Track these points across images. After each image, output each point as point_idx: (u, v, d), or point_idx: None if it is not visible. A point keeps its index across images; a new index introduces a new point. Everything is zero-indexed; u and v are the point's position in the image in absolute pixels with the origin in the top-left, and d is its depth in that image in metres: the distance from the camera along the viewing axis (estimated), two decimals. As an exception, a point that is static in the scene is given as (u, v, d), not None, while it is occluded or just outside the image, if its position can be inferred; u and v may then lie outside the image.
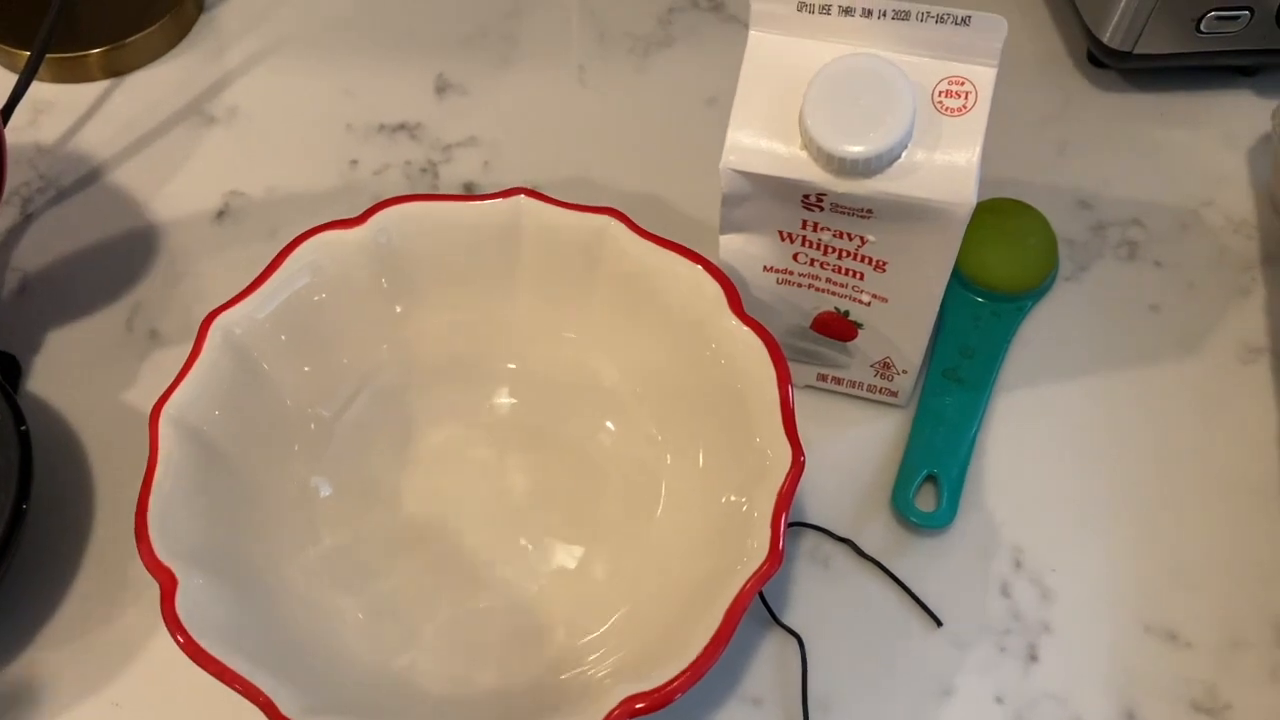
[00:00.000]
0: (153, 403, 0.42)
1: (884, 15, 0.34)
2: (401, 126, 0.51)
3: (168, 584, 0.30)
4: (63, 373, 0.43)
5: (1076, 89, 0.52)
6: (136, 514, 0.32)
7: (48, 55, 0.50)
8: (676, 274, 0.37)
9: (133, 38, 0.52)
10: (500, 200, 0.38)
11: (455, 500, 0.39)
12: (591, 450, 0.39)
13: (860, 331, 0.40)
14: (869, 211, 0.35)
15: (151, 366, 0.44)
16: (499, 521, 0.38)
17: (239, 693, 0.29)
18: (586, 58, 0.53)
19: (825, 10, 0.35)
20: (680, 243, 0.38)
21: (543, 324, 0.39)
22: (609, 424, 0.39)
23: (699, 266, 0.36)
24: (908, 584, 0.39)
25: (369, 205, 0.48)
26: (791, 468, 0.33)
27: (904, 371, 0.41)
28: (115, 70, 0.52)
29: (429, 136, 0.50)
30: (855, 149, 0.33)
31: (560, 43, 0.54)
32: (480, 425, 0.40)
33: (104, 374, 0.43)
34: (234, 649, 0.30)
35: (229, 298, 0.43)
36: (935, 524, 0.39)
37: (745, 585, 0.31)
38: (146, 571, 0.37)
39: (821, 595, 0.39)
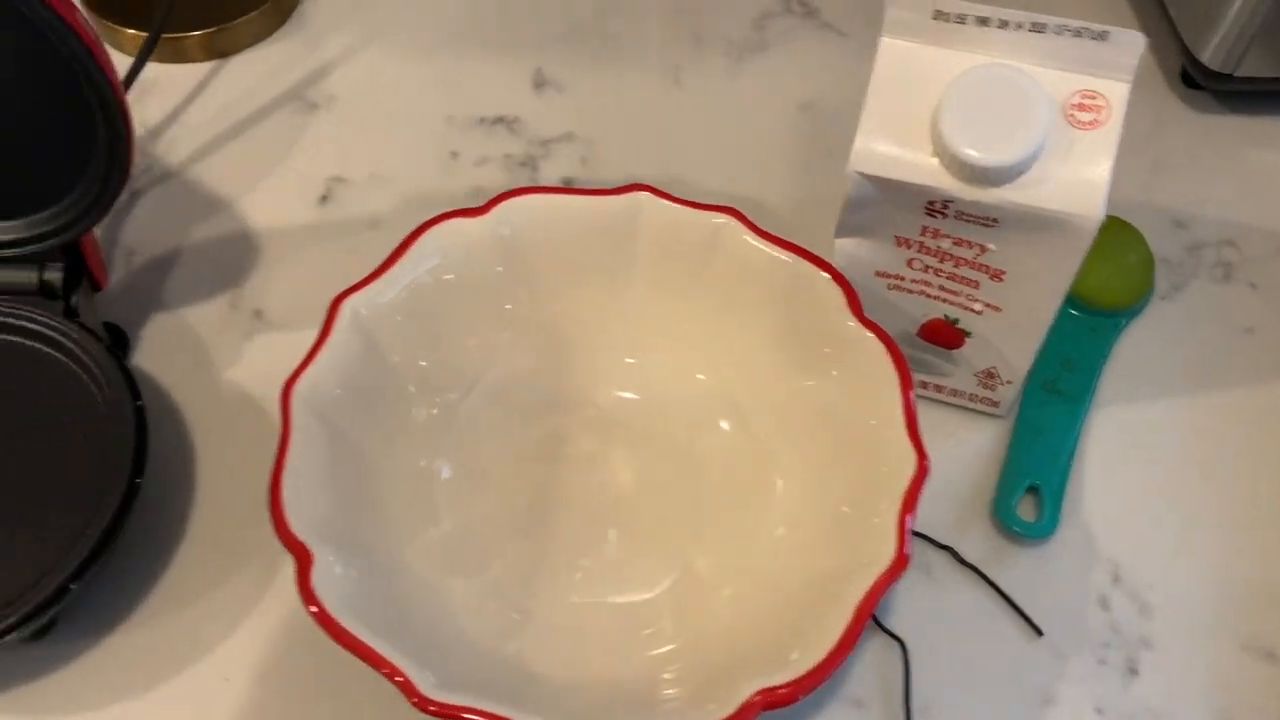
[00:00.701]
0: (255, 382, 0.43)
1: (1020, 27, 0.34)
2: (500, 120, 0.51)
3: (303, 559, 0.31)
4: (167, 349, 0.44)
5: (1168, 108, 0.52)
6: (270, 488, 0.32)
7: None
8: (796, 275, 0.37)
9: (235, 21, 0.52)
10: (621, 196, 0.38)
11: (561, 490, 0.39)
12: (698, 447, 0.39)
13: (968, 340, 0.40)
14: (994, 220, 0.35)
15: (255, 346, 0.44)
16: (603, 513, 0.39)
17: (375, 668, 0.29)
18: (681, 59, 0.54)
19: (961, 20, 0.35)
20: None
21: (655, 320, 0.40)
22: (718, 422, 0.39)
23: (819, 268, 0.37)
24: (1007, 593, 0.39)
25: (470, 196, 0.49)
26: (917, 471, 0.33)
27: (1008, 382, 0.41)
28: (217, 53, 0.52)
29: (527, 131, 0.51)
30: (989, 157, 0.34)
31: (654, 43, 0.54)
32: (587, 418, 0.40)
33: (208, 352, 0.44)
34: (365, 625, 0.30)
35: (334, 282, 0.44)
36: (1037, 534, 0.40)
37: (873, 585, 0.31)
38: (249, 547, 0.39)
39: (923, 601, 0.39)
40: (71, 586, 0.34)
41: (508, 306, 0.39)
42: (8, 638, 0.33)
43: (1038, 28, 0.34)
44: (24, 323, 0.38)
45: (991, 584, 0.39)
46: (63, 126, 0.37)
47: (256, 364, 0.44)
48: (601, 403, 0.40)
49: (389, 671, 0.29)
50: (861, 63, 0.54)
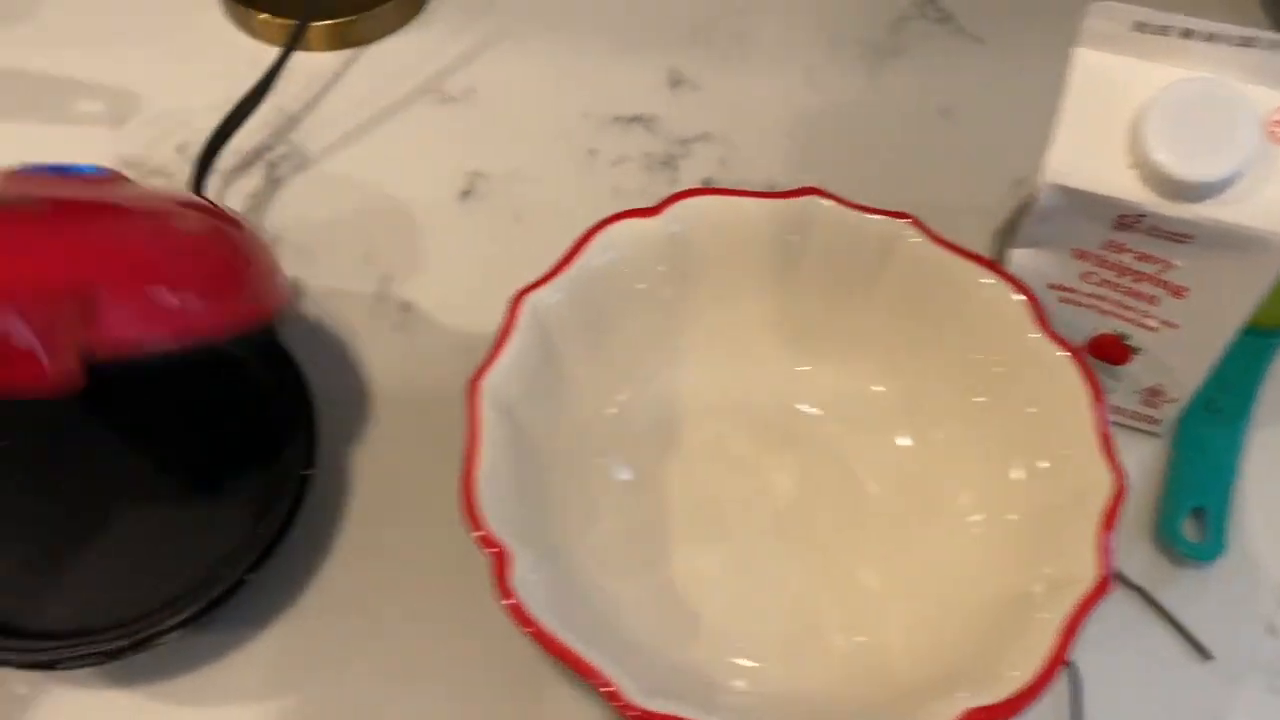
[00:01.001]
0: (407, 375, 0.43)
1: (1228, 41, 0.34)
2: (637, 118, 0.51)
3: (500, 558, 0.30)
4: (315, 339, 0.44)
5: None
6: (464, 486, 0.32)
7: (289, 22, 0.50)
8: (976, 284, 0.36)
9: (373, 10, 0.52)
10: (794, 199, 0.38)
11: (726, 496, 0.38)
12: (859, 456, 0.39)
13: (1135, 357, 0.40)
14: (1187, 236, 0.35)
15: (404, 339, 0.44)
16: (764, 520, 0.38)
17: (583, 676, 0.29)
18: (815, 60, 0.53)
19: (1163, 32, 0.34)
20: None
21: (819, 324, 0.39)
22: (893, 435, 0.39)
23: (1001, 278, 0.36)
24: (1173, 614, 0.38)
25: (611, 195, 0.49)
26: (1115, 490, 0.32)
27: (1174, 400, 0.40)
28: (353, 41, 0.52)
29: (664, 130, 0.50)
30: (1193, 171, 0.33)
31: (788, 44, 0.54)
32: (746, 423, 0.39)
33: (356, 343, 0.44)
34: (565, 628, 0.30)
35: (481, 276, 0.45)
36: (1204, 556, 0.39)
37: (1078, 606, 0.30)
38: (405, 541, 0.38)
39: (1088, 622, 0.38)
40: (247, 578, 0.34)
41: (676, 306, 0.39)
42: (183, 630, 0.33)
43: (1246, 42, 0.34)
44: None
45: (1158, 606, 0.38)
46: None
47: (407, 357, 0.43)
48: (772, 409, 0.40)
49: (597, 680, 0.29)
50: (1001, 70, 0.55)
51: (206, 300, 0.33)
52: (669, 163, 0.49)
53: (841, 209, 0.38)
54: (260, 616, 0.37)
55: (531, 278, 0.45)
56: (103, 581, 0.34)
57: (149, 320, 0.31)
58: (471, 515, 0.31)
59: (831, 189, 0.44)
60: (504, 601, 0.30)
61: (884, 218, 0.38)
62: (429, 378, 0.43)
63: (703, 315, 0.39)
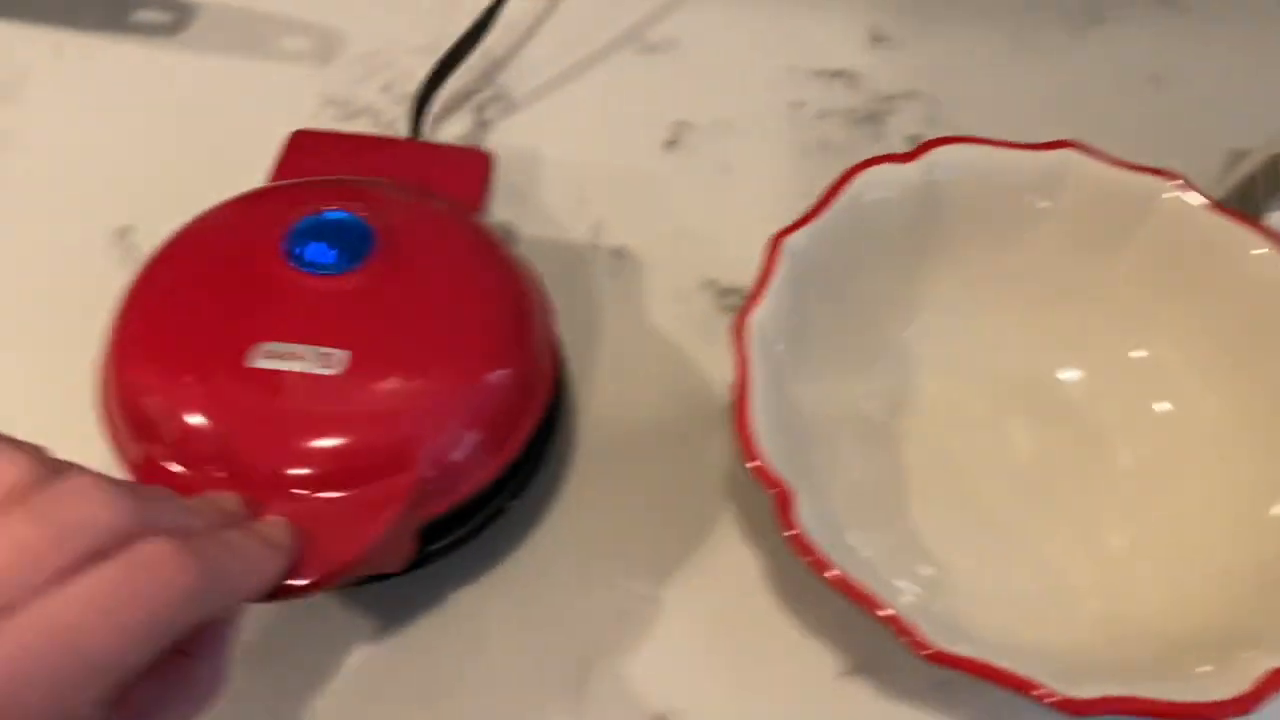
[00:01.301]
0: (627, 321, 0.43)
1: None
2: (839, 73, 0.50)
3: (783, 499, 0.30)
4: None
5: None
6: (738, 425, 0.31)
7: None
8: (1245, 250, 0.35)
9: (573, -42, 0.52)
10: (1049, 151, 0.37)
11: (961, 455, 0.38)
12: (1107, 419, 0.38)
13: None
14: None
15: (620, 285, 0.43)
16: (1005, 481, 0.37)
17: (873, 613, 0.29)
18: (1018, 23, 0.52)
19: None
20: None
21: (1067, 282, 0.38)
22: (1152, 401, 0.38)
23: (1276, 246, 0.35)
24: None
25: (818, 148, 0.48)
26: None
27: None
28: (552, -11, 0.52)
29: (867, 86, 0.50)
30: None
31: (989, 7, 0.53)
32: (985, 382, 0.39)
33: (573, 286, 0.43)
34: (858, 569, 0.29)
35: (693, 225, 0.44)
36: None
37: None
38: (634, 482, 0.38)
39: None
40: (508, 506, 0.34)
41: (924, 260, 0.38)
42: (449, 554, 0.33)
43: None
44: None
45: None
46: None
47: (621, 302, 0.43)
48: (1011, 368, 0.39)
49: (889, 618, 0.28)
50: (1209, 38, 0.53)
51: (512, 431, 0.33)
52: (873, 118, 0.49)
53: (1100, 164, 0.37)
54: (486, 560, 0.38)
55: (745, 230, 0.45)
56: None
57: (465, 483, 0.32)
58: (750, 452, 0.31)
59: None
60: (792, 544, 0.29)
61: (1147, 175, 0.37)
62: (645, 322, 0.42)
63: (946, 267, 0.38)
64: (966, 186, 0.37)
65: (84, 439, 0.38)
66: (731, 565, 0.37)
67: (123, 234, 0.44)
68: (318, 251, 0.32)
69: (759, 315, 0.33)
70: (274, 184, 0.37)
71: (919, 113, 0.49)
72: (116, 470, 0.32)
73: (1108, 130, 0.48)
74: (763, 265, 0.35)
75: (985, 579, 0.36)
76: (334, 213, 0.33)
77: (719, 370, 0.42)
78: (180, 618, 0.24)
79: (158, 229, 0.44)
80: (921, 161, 0.37)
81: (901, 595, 0.33)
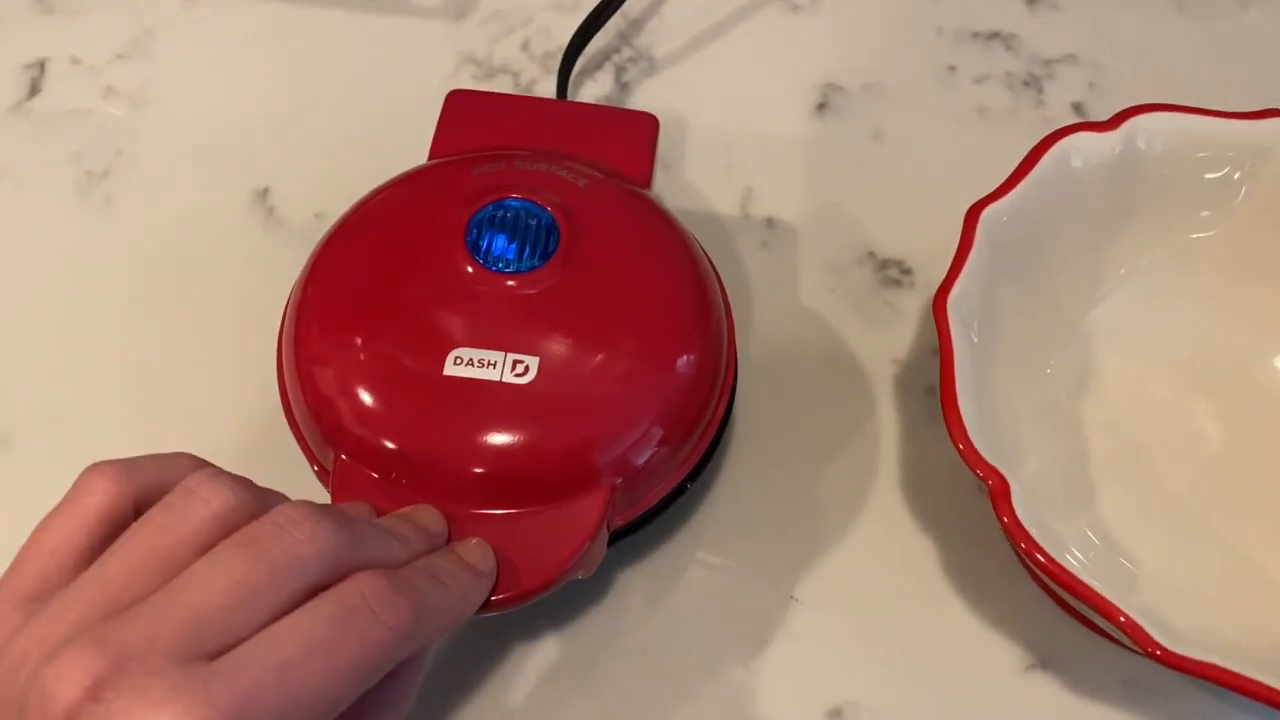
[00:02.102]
0: (776, 290, 0.41)
1: None
2: (995, 35, 0.48)
3: (1000, 487, 0.29)
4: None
5: None
6: (946, 408, 0.30)
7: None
8: None
9: (711, -87, 0.49)
10: (1257, 120, 0.35)
11: (1146, 440, 0.36)
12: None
13: None
14: None
15: (772, 255, 0.42)
16: (1194, 468, 0.36)
17: (1107, 616, 0.27)
18: (1182, -15, 0.49)
19: None
20: None
21: (1261, 261, 0.36)
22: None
23: None
24: None
25: (974, 114, 0.46)
26: None
27: None
28: (690, -55, 0.50)
29: (1025, 49, 0.47)
30: None
31: (1151, -34, 0.50)
32: (1170, 365, 0.37)
33: (723, 259, 0.41)
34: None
35: (846, 194, 0.43)
36: None
37: None
38: (794, 454, 0.37)
39: None
40: (688, 485, 0.32)
41: (1118, 235, 0.36)
42: (638, 532, 0.32)
43: None
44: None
45: None
46: None
47: (776, 274, 0.41)
48: (1199, 352, 0.37)
49: (1124, 621, 0.27)
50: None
51: (703, 426, 0.32)
52: (1032, 83, 0.46)
53: (1313, 134, 0.35)
54: (643, 544, 0.36)
55: (901, 200, 0.43)
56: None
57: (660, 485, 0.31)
58: (960, 438, 0.29)
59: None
60: (1015, 538, 0.28)
61: (1363, 146, 0.34)
62: (801, 297, 0.41)
63: (1139, 243, 0.36)
64: (1167, 157, 0.35)
65: (240, 420, 0.38)
66: (905, 553, 0.36)
67: (262, 196, 0.42)
68: (502, 246, 0.31)
69: (958, 292, 0.32)
70: (443, 160, 0.35)
71: (1080, 78, 0.46)
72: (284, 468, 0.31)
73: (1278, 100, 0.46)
74: (960, 239, 0.33)
75: (1178, 572, 0.34)
76: (516, 201, 0.31)
77: (881, 347, 0.40)
78: (390, 656, 0.23)
79: (296, 190, 0.43)
80: (1123, 130, 0.34)
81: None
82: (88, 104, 0.45)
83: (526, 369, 0.29)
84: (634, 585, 0.35)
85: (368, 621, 0.23)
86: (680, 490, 0.32)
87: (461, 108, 0.37)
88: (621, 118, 0.38)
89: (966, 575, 0.36)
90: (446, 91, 0.39)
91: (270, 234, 0.42)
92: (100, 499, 0.24)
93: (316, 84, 0.46)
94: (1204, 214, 0.36)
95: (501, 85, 0.46)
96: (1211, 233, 0.36)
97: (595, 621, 0.35)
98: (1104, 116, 0.36)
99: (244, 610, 0.22)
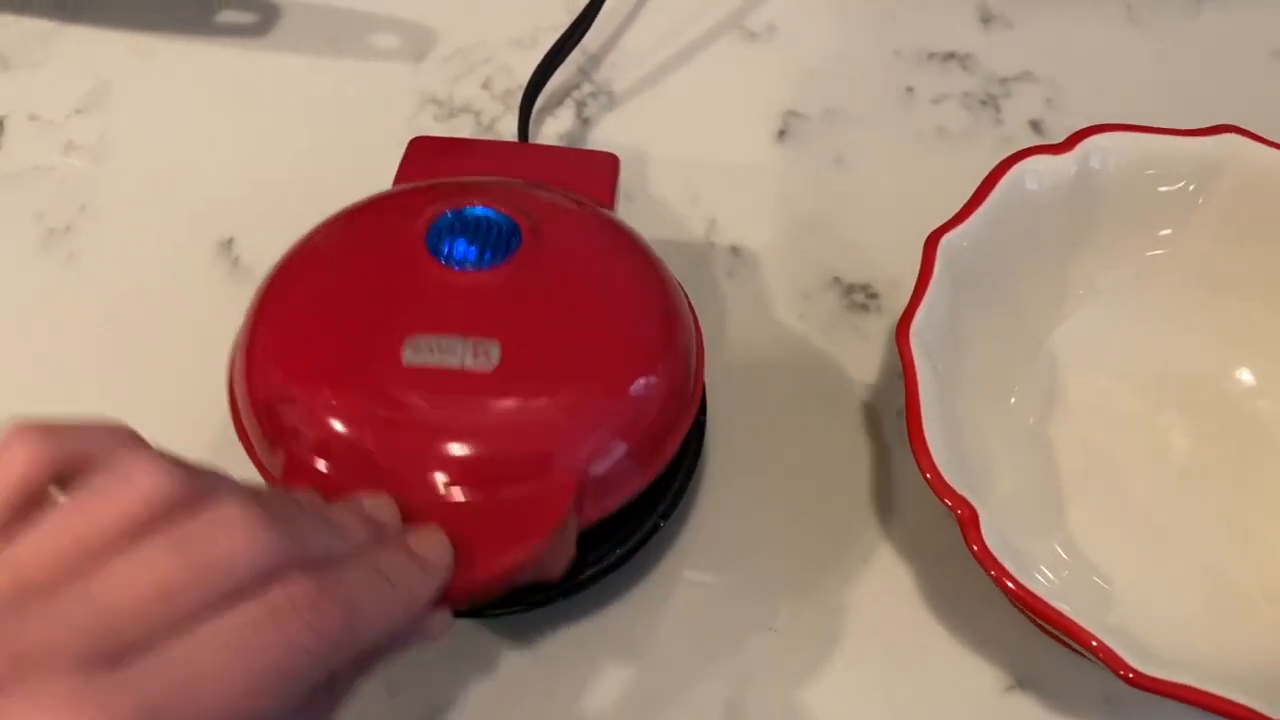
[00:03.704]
0: (749, 322, 0.41)
1: None
2: (951, 56, 0.48)
3: (968, 517, 0.29)
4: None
5: None
6: (912, 438, 0.30)
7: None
8: None
9: (666, -56, 0.50)
10: (1209, 137, 0.35)
11: (1115, 456, 0.36)
12: (1260, 417, 0.36)
13: None
14: None
15: (739, 284, 0.42)
16: (1163, 482, 0.36)
17: (1079, 641, 0.27)
18: (1132, -3, 0.50)
19: None
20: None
21: (1227, 274, 0.37)
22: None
23: None
24: None
25: (934, 135, 0.46)
26: None
27: None
28: (646, -23, 0.50)
29: (981, 68, 0.48)
30: None
31: (1100, -20, 0.51)
32: (1137, 379, 0.37)
33: (691, 287, 0.41)
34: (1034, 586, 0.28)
35: (809, 221, 0.43)
36: None
37: None
38: (768, 491, 0.37)
39: None
40: (661, 524, 0.32)
41: (1077, 254, 0.36)
42: (612, 573, 0.32)
43: None
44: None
45: None
46: None
47: (742, 303, 0.41)
48: (1165, 364, 0.37)
49: (1095, 646, 0.27)
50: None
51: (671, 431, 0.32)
52: (990, 102, 0.47)
53: (1263, 148, 0.35)
54: (642, 563, 0.36)
55: (865, 223, 0.43)
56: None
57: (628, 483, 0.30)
58: (927, 468, 0.29)
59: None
60: (982, 563, 0.28)
61: (1313, 158, 0.35)
62: (769, 323, 0.41)
63: (1100, 262, 0.37)
64: (1122, 176, 0.36)
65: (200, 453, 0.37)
66: (882, 578, 0.36)
67: (226, 246, 0.42)
68: (463, 249, 0.31)
69: (920, 320, 0.32)
70: (409, 184, 0.35)
71: (1037, 94, 0.47)
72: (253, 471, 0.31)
73: (1234, 105, 0.46)
74: (920, 266, 0.33)
75: (1150, 588, 0.34)
76: (477, 209, 0.32)
77: (850, 371, 0.40)
78: (317, 663, 0.22)
79: (262, 240, 0.43)
80: (1077, 151, 0.35)
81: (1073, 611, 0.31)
82: (48, 160, 0.45)
83: (488, 355, 0.29)
84: (612, 619, 0.35)
85: (294, 625, 0.21)
86: (654, 529, 0.32)
87: (423, 153, 0.37)
88: (582, 158, 0.38)
89: (944, 597, 0.36)
90: (410, 133, 0.39)
91: (236, 284, 0.42)
92: (16, 467, 0.22)
93: (278, 130, 0.46)
94: (1162, 230, 0.37)
95: (463, 124, 0.46)
96: (1171, 248, 0.37)
97: (571, 657, 0.35)
98: (1062, 132, 0.36)
99: (160, 613, 0.20)
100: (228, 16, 0.49)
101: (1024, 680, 0.34)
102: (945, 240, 0.33)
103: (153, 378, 0.39)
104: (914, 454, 0.30)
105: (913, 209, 0.38)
